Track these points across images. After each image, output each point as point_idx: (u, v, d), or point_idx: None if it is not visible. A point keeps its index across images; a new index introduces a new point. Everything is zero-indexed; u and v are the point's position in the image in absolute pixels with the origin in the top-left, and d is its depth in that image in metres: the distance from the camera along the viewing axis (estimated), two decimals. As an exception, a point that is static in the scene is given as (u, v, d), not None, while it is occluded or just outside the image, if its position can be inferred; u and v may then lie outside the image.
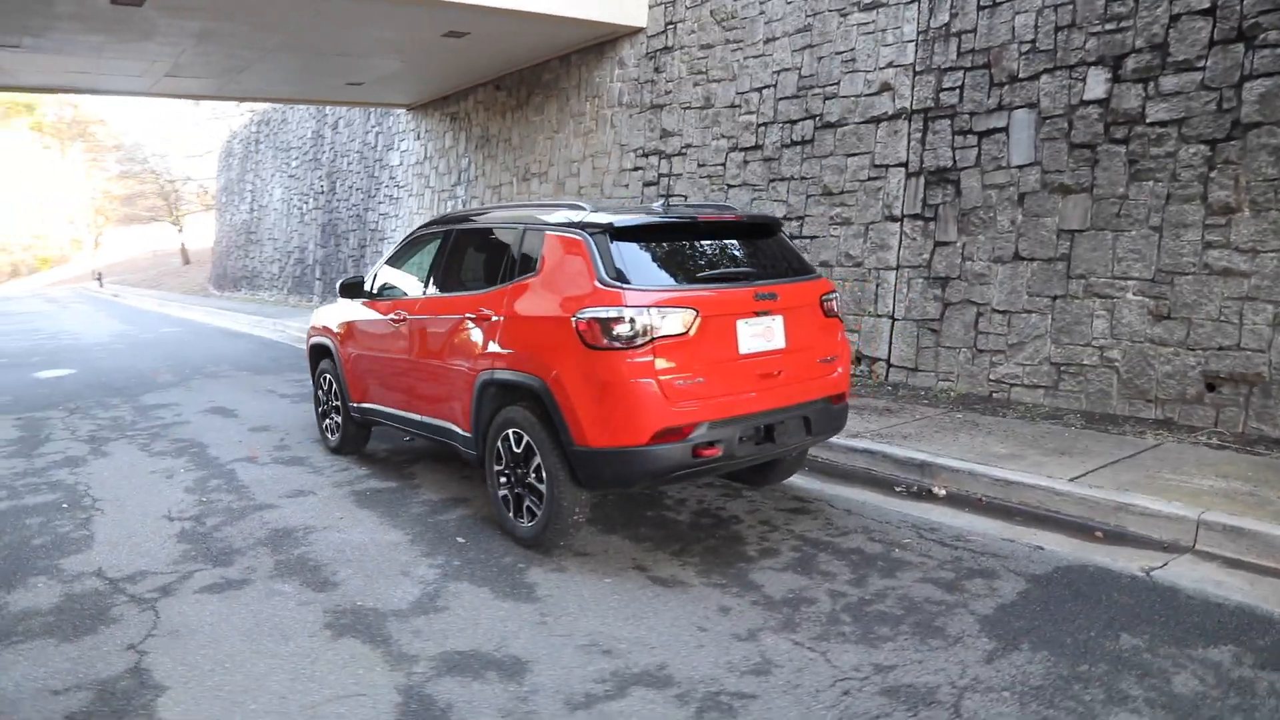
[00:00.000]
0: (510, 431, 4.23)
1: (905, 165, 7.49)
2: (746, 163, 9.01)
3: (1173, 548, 4.04)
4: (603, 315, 3.75)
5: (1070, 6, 6.30)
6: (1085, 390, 6.27)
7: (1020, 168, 6.65)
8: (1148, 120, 5.90)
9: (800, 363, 4.25)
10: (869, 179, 7.80)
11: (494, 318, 4.35)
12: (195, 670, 3.12)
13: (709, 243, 4.33)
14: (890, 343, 7.68)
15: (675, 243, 4.21)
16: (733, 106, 9.14)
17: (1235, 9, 5.47)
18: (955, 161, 7.10)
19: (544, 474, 4.03)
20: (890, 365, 7.68)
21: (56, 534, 4.63)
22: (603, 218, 4.04)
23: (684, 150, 9.79)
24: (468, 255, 4.97)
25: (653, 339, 3.73)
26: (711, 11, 9.37)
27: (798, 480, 5.31)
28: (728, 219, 4.41)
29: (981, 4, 6.88)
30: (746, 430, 3.97)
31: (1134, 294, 6.01)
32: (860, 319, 7.90)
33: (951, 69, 7.11)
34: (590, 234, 4.00)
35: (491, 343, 4.34)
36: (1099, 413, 6.13)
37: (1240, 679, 2.87)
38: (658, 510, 4.79)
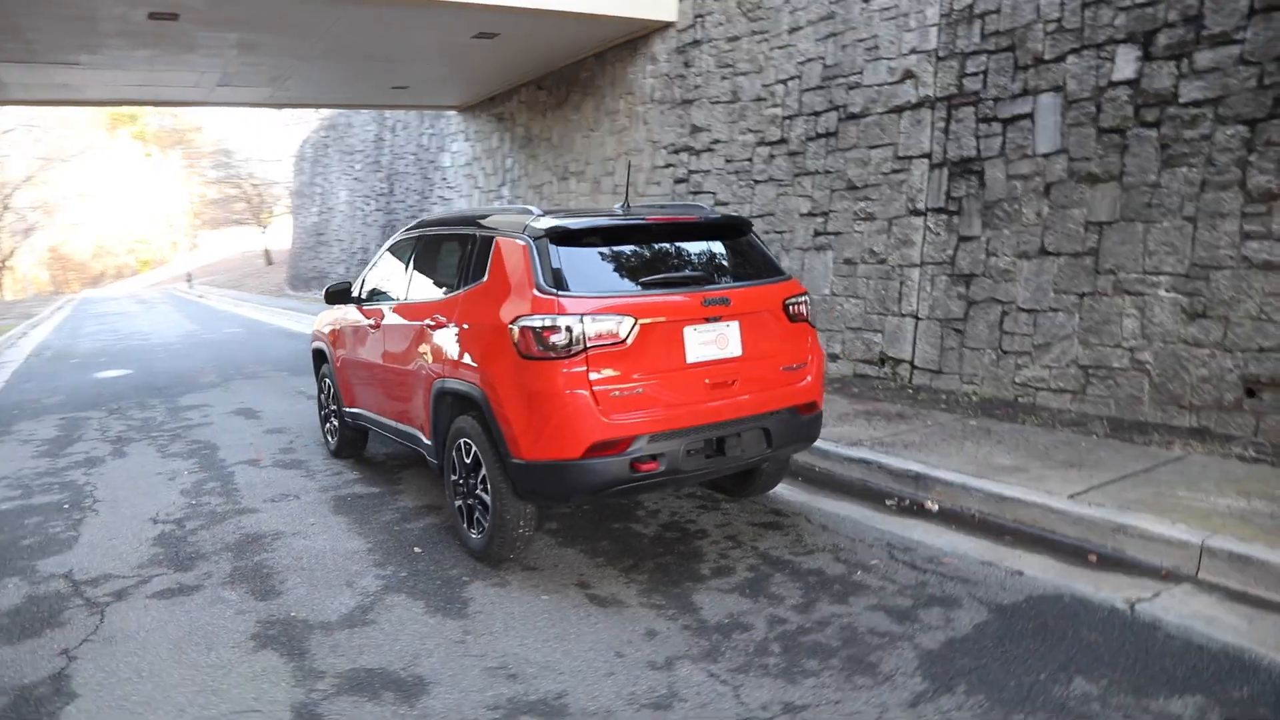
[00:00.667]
0: (461, 441, 4.14)
1: (929, 156, 7.08)
2: (772, 157, 8.71)
3: (1171, 576, 3.64)
4: (536, 324, 3.61)
5: (1099, -20, 5.81)
6: (1114, 395, 5.78)
7: (1046, 156, 6.18)
8: (1181, 100, 5.38)
9: (760, 371, 4.01)
10: (892, 171, 7.41)
11: (448, 324, 4.27)
12: (112, 678, 3.14)
13: (663, 246, 4.12)
14: (914, 343, 7.28)
15: (624, 247, 4.02)
16: (759, 100, 8.85)
17: (1278, -26, 4.92)
18: (979, 151, 6.66)
19: (489, 486, 3.93)
20: (915, 367, 7.28)
21: (47, 534, 4.80)
22: (546, 222, 3.90)
23: (712, 146, 9.55)
24: (434, 261, 4.90)
25: (587, 348, 3.58)
26: (738, 2, 9.10)
27: (784, 491, 5.06)
28: (684, 221, 4.20)
29: (1006, -19, 6.43)
30: (694, 443, 3.76)
31: (1166, 290, 5.50)
32: (884, 319, 7.52)
33: (975, 53, 6.66)
34: (533, 239, 3.87)
35: (445, 350, 4.26)
36: (1129, 420, 5.64)
37: (1197, 736, 2.53)
38: (626, 522, 4.62)
